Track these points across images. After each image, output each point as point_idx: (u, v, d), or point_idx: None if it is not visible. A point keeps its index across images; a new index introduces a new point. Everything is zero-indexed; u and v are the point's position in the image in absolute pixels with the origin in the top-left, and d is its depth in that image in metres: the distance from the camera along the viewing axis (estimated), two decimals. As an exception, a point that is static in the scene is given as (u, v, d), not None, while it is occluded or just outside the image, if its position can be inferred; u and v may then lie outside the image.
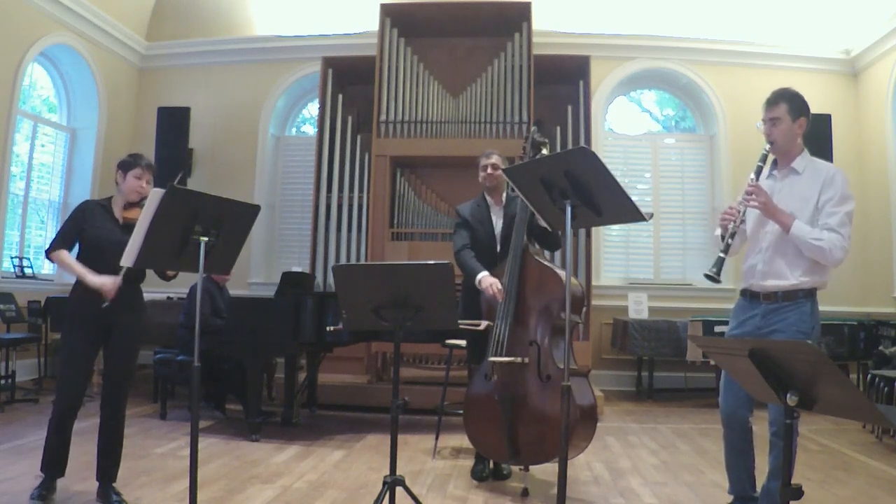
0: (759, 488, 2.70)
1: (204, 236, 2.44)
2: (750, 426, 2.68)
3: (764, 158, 2.61)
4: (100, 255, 2.89)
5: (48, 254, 2.96)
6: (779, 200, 2.56)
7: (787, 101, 2.58)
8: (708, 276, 2.50)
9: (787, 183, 2.63)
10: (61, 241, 2.94)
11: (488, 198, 3.67)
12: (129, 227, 2.93)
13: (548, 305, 3.24)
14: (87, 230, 2.93)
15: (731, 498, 2.76)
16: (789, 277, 2.54)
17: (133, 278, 3.00)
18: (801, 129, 2.60)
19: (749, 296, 2.68)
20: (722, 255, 2.51)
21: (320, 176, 6.34)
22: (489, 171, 3.59)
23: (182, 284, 5.45)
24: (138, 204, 3.01)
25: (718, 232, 2.68)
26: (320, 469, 3.67)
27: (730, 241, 2.52)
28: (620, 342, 6.29)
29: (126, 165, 3.01)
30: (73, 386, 2.92)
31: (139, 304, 3.08)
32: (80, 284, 2.94)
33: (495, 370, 3.25)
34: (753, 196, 2.52)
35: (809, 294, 2.56)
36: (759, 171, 2.60)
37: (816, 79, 7.00)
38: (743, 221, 2.57)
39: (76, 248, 3.01)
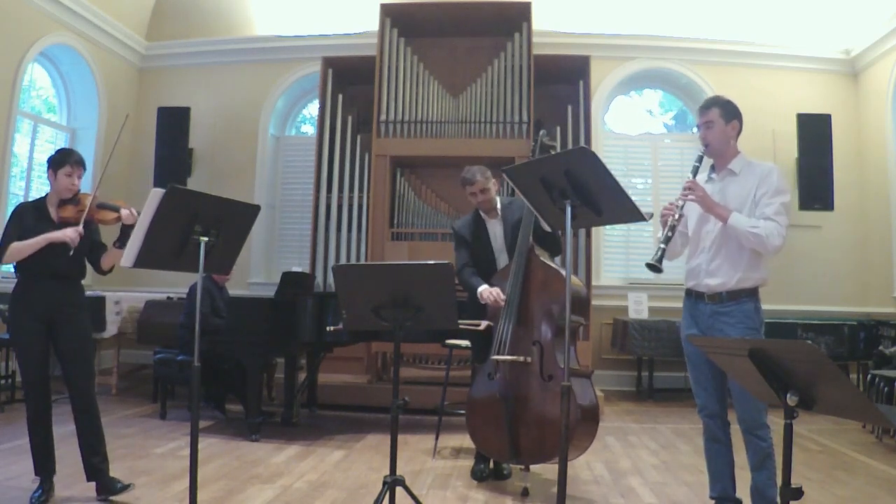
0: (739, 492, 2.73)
1: (204, 236, 2.45)
2: (728, 420, 2.74)
3: (700, 159, 2.74)
4: (39, 256, 2.89)
5: (0, 259, 2.90)
6: (719, 200, 2.67)
7: (719, 106, 2.72)
8: (650, 266, 2.57)
9: (726, 183, 2.73)
10: (8, 244, 2.92)
11: (482, 214, 3.65)
12: (64, 225, 2.96)
13: (552, 305, 3.25)
14: (24, 231, 2.93)
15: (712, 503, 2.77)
16: (732, 275, 2.63)
17: (74, 276, 3.03)
18: (734, 131, 2.74)
19: (694, 296, 2.76)
20: (663, 245, 2.60)
21: (320, 176, 6.34)
22: (479, 198, 3.56)
23: (182, 284, 5.49)
24: (71, 201, 3.02)
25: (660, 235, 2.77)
26: (320, 469, 3.67)
27: (669, 233, 2.62)
28: (620, 342, 6.29)
29: (56, 163, 2.99)
30: (35, 382, 2.96)
31: (81, 301, 3.10)
32: (20, 285, 2.96)
33: (499, 369, 3.25)
34: (690, 191, 2.62)
35: (752, 293, 2.66)
36: (695, 171, 2.71)
37: (816, 79, 7.00)
38: (682, 216, 2.66)
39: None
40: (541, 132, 3.66)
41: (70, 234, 2.87)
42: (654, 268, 2.55)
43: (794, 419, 1.66)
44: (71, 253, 2.88)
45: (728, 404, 2.72)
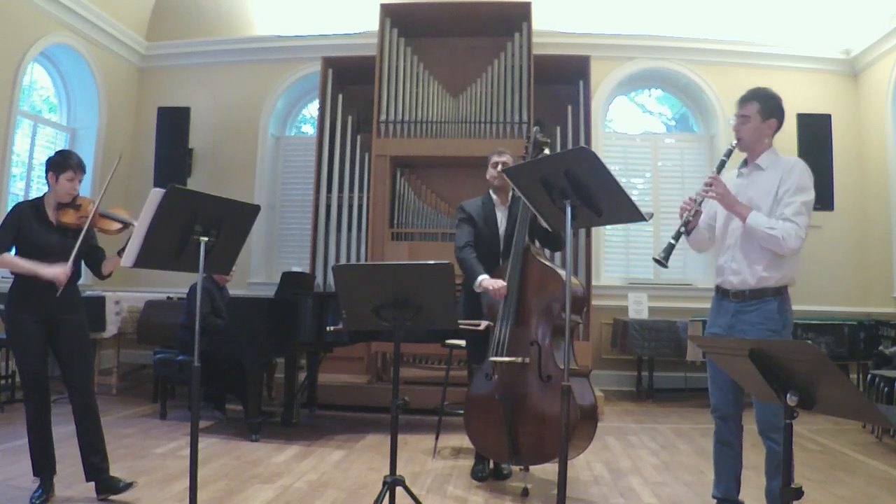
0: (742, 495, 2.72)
1: (204, 236, 2.45)
2: (741, 423, 2.70)
3: (729, 153, 2.68)
4: (35, 257, 2.89)
5: None
6: (745, 196, 2.62)
7: (760, 101, 2.64)
8: (656, 260, 2.54)
9: (752, 178, 2.68)
10: (1, 245, 2.91)
11: (494, 197, 3.65)
12: (63, 229, 2.97)
13: (549, 305, 3.24)
14: (23, 234, 2.92)
15: (714, 502, 2.76)
16: (753, 274, 2.58)
17: (70, 277, 3.01)
18: (770, 129, 2.66)
19: (721, 293, 2.72)
20: (672, 241, 2.56)
21: (320, 176, 6.34)
22: (500, 168, 3.55)
23: (182, 284, 5.49)
24: (71, 205, 3.02)
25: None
26: (320, 469, 3.67)
27: (682, 229, 2.57)
28: (620, 342, 6.29)
29: (57, 167, 2.97)
30: (34, 383, 2.95)
31: (77, 302, 3.10)
32: (18, 284, 2.95)
33: (496, 370, 3.25)
34: (711, 187, 2.57)
35: (778, 292, 2.59)
36: (721, 166, 2.67)
37: (816, 79, 7.00)
38: (699, 212, 2.62)
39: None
40: (534, 129, 3.65)
41: (59, 276, 2.87)
42: (660, 263, 2.51)
43: (794, 419, 1.66)
44: (57, 294, 2.86)
45: (745, 405, 2.67)
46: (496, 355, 3.24)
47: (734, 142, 2.68)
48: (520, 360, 3.20)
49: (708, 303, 6.36)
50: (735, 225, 2.65)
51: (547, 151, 3.48)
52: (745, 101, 2.65)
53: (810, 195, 2.56)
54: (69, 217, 2.99)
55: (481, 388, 3.34)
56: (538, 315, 3.26)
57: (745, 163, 2.75)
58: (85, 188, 6.73)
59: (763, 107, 2.62)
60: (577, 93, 6.32)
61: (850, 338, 5.84)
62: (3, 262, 2.89)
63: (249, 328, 4.45)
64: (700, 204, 2.60)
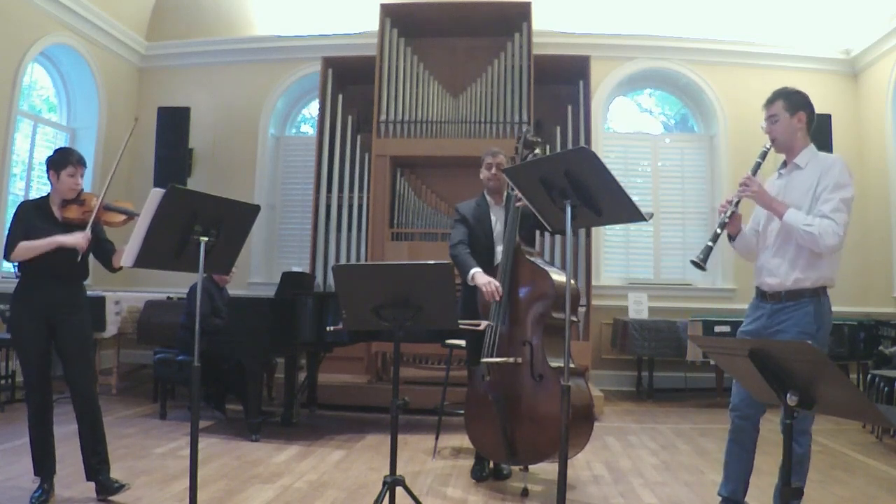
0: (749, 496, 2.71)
1: (204, 236, 2.45)
2: (759, 426, 2.68)
3: (763, 155, 2.65)
4: (44, 256, 2.89)
5: (9, 257, 2.90)
6: (785, 196, 2.59)
7: (784, 98, 2.62)
8: (694, 263, 2.52)
9: (792, 178, 2.65)
10: (16, 242, 2.90)
11: (489, 197, 3.65)
12: (68, 226, 2.97)
13: (540, 305, 3.23)
14: (28, 233, 2.92)
15: (719, 499, 2.74)
16: (789, 274, 2.55)
17: (76, 277, 3.03)
18: (800, 123, 2.62)
19: (759, 295, 2.70)
20: (710, 243, 2.53)
21: (320, 176, 6.34)
22: (493, 170, 3.56)
23: (182, 284, 5.49)
24: (75, 201, 3.02)
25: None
26: (320, 469, 3.67)
27: (718, 230, 2.54)
28: (620, 342, 6.29)
29: (58, 164, 2.98)
30: (36, 382, 2.95)
31: (81, 302, 3.09)
32: (22, 284, 2.95)
33: (489, 371, 3.25)
34: (746, 187, 2.55)
35: (815, 293, 2.55)
36: (756, 167, 2.64)
37: (816, 79, 6.99)
38: (735, 213, 2.59)
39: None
40: (524, 129, 3.65)
41: (80, 242, 2.88)
42: (698, 265, 2.48)
43: (795, 419, 1.66)
44: (79, 259, 2.89)
45: (763, 405, 2.63)
46: (487, 356, 3.24)
47: (767, 143, 2.66)
48: (512, 360, 3.19)
49: (708, 303, 6.44)
50: (773, 226, 2.63)
51: (538, 151, 3.47)
52: (769, 102, 2.65)
53: (849, 192, 2.51)
54: (73, 213, 3.00)
55: (478, 390, 3.34)
56: (529, 315, 3.25)
57: (784, 164, 2.72)
58: (86, 187, 6.77)
59: (787, 103, 2.61)
60: (576, 93, 6.32)
61: (850, 338, 5.84)
62: (23, 249, 2.87)
63: (249, 328, 4.45)
64: (736, 205, 2.57)
